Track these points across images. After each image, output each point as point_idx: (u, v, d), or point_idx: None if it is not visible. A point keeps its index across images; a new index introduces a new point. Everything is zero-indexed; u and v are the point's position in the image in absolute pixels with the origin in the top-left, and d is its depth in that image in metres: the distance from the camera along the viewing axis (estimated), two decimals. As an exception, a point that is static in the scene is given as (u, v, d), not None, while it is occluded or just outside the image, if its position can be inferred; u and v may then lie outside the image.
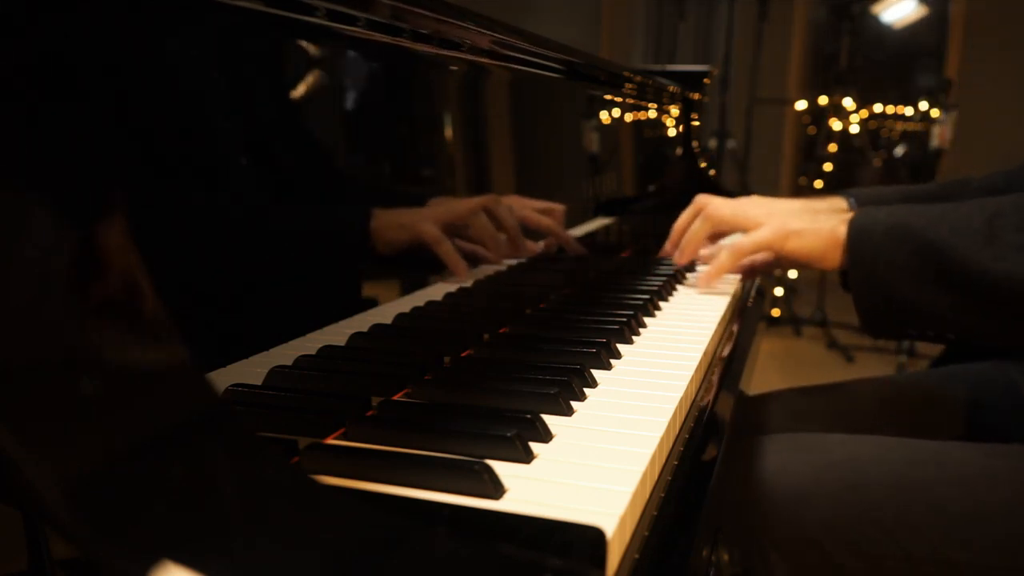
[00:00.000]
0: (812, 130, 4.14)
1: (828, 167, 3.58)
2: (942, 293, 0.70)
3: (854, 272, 0.74)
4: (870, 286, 0.73)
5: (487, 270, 0.79)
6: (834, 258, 0.78)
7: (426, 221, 0.69)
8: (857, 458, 0.72)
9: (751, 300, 0.99)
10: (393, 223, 0.65)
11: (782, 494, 0.69)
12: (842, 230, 0.77)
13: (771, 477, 0.71)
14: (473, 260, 0.76)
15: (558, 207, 0.91)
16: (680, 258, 0.91)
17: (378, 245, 0.63)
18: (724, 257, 0.85)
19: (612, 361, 0.61)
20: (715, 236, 0.94)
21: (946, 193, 0.95)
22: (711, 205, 0.87)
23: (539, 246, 0.89)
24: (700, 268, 1.08)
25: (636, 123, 1.32)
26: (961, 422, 0.91)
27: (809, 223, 0.80)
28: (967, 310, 0.69)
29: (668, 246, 0.94)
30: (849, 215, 0.78)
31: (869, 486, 0.69)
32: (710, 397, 0.60)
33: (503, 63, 0.81)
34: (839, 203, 0.90)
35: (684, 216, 0.92)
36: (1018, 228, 0.67)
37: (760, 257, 0.85)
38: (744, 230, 0.85)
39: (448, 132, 0.74)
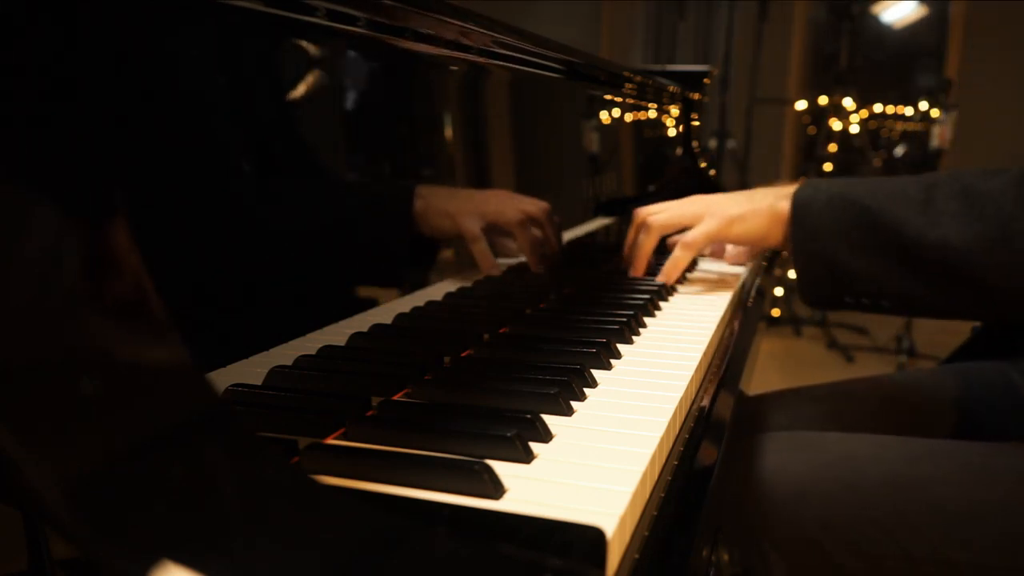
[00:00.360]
0: (812, 130, 4.14)
1: (828, 167, 3.58)
2: (880, 259, 0.71)
3: (795, 241, 0.76)
4: (810, 254, 0.75)
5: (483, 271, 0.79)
6: (777, 234, 0.81)
7: (470, 216, 0.71)
8: (855, 457, 0.72)
9: (751, 300, 0.99)
10: (440, 208, 0.67)
11: (780, 493, 0.69)
12: (782, 205, 0.80)
13: (769, 476, 0.71)
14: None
15: (543, 207, 0.91)
16: (634, 272, 0.93)
17: (421, 227, 0.64)
18: (678, 253, 0.87)
19: (612, 361, 0.61)
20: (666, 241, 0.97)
21: None
22: (651, 216, 0.89)
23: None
24: (703, 266, 1.08)
25: (636, 123, 1.32)
26: (959, 421, 0.91)
27: (748, 206, 0.83)
28: (903, 276, 0.71)
29: (626, 266, 0.95)
30: (791, 190, 0.80)
31: (867, 485, 0.69)
32: (710, 397, 0.60)
33: (503, 63, 0.81)
34: (784, 187, 0.92)
35: (629, 234, 0.94)
36: (953, 196, 0.68)
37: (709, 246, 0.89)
38: (688, 228, 0.87)
39: (448, 132, 0.74)
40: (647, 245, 0.90)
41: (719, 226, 0.84)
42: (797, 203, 0.77)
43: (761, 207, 0.82)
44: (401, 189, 0.65)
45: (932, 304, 0.73)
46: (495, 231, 0.77)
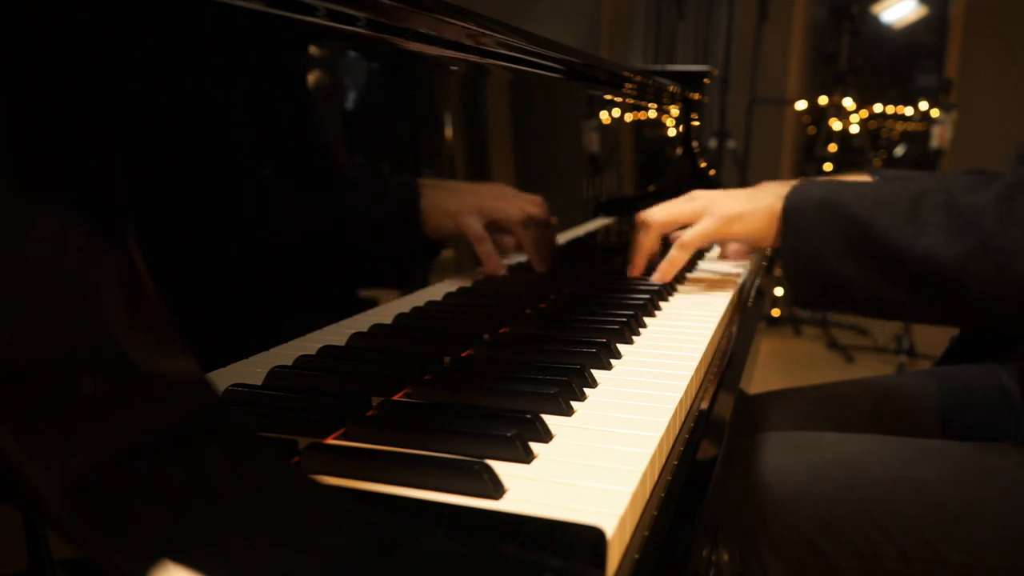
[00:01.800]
0: (812, 130, 4.14)
1: (828, 167, 3.58)
2: (866, 268, 0.72)
3: (785, 244, 0.77)
4: (800, 258, 0.76)
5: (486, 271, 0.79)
6: (773, 234, 0.81)
7: (472, 215, 0.71)
8: (851, 457, 0.73)
9: (751, 300, 0.99)
10: (441, 208, 0.67)
11: (777, 494, 0.69)
12: (779, 206, 0.80)
13: (766, 477, 0.71)
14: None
15: (541, 205, 0.91)
16: (632, 271, 0.93)
17: (424, 227, 0.65)
18: (674, 252, 0.87)
19: (612, 361, 0.61)
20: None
21: None
22: (649, 215, 0.90)
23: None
24: (702, 266, 1.08)
25: (636, 123, 1.32)
26: (949, 423, 0.91)
27: (747, 204, 0.83)
28: (889, 284, 0.71)
29: (629, 268, 0.95)
30: (786, 191, 0.80)
31: (864, 485, 0.69)
32: (710, 397, 0.60)
33: (503, 63, 0.81)
34: (786, 185, 0.91)
35: (633, 236, 0.94)
36: (940, 207, 0.69)
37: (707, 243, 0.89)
38: (688, 226, 0.87)
39: (448, 132, 0.74)
40: (646, 243, 0.90)
41: (717, 225, 0.84)
42: (788, 206, 0.78)
43: (760, 206, 0.82)
44: (405, 187, 0.65)
45: (916, 311, 0.74)
46: (497, 229, 0.77)
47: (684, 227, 0.89)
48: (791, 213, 0.77)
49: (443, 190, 0.71)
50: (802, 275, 0.76)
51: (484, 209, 0.74)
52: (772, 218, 0.81)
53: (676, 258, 0.88)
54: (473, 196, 0.74)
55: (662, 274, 0.89)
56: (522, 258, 0.86)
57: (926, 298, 0.70)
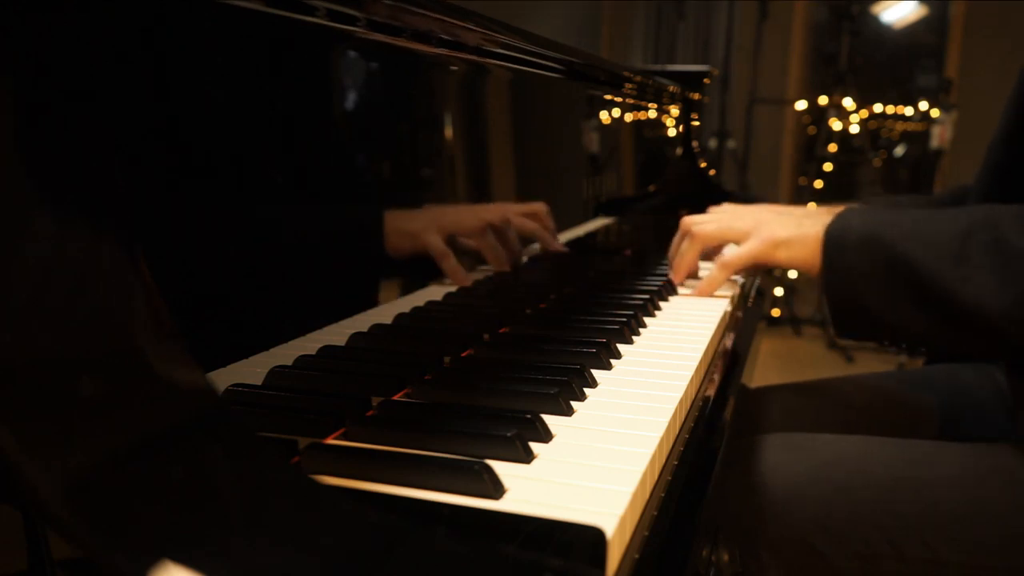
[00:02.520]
0: (812, 130, 4.14)
1: (828, 167, 3.58)
2: (911, 308, 0.69)
3: (826, 278, 0.74)
4: (842, 295, 0.73)
5: (487, 270, 0.79)
6: (819, 265, 0.77)
7: (433, 233, 0.69)
8: (849, 458, 0.72)
9: (751, 300, 0.99)
10: (400, 230, 0.66)
11: (775, 495, 0.69)
12: (823, 233, 0.77)
13: (764, 478, 0.71)
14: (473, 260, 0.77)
15: (540, 206, 0.91)
16: (675, 278, 0.92)
17: (386, 249, 0.63)
18: (716, 273, 0.85)
19: (612, 361, 0.61)
20: (708, 251, 0.95)
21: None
22: (696, 225, 0.88)
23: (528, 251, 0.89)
24: (703, 266, 1.08)
25: (636, 123, 1.32)
26: (945, 422, 0.91)
27: (795, 230, 0.80)
28: (934, 327, 0.69)
29: (670, 272, 0.94)
30: (830, 219, 0.77)
31: (861, 486, 0.69)
32: (710, 397, 0.60)
33: (503, 63, 0.81)
34: (831, 211, 0.90)
35: (675, 240, 0.93)
36: (988, 248, 0.66)
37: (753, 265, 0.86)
38: (733, 243, 0.85)
39: (448, 132, 0.74)
40: (689, 255, 0.89)
41: (763, 248, 0.81)
42: (829, 240, 0.74)
43: (809, 233, 0.78)
44: (369, 217, 0.64)
45: (958, 348, 0.73)
46: (463, 241, 0.76)
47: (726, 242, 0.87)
48: (832, 249, 0.74)
49: (405, 213, 0.69)
50: (842, 310, 0.74)
51: (441, 225, 0.72)
52: (819, 247, 0.77)
53: (716, 279, 0.85)
54: (430, 213, 0.73)
55: (700, 291, 0.87)
56: (522, 257, 0.86)
57: (973, 342, 0.69)
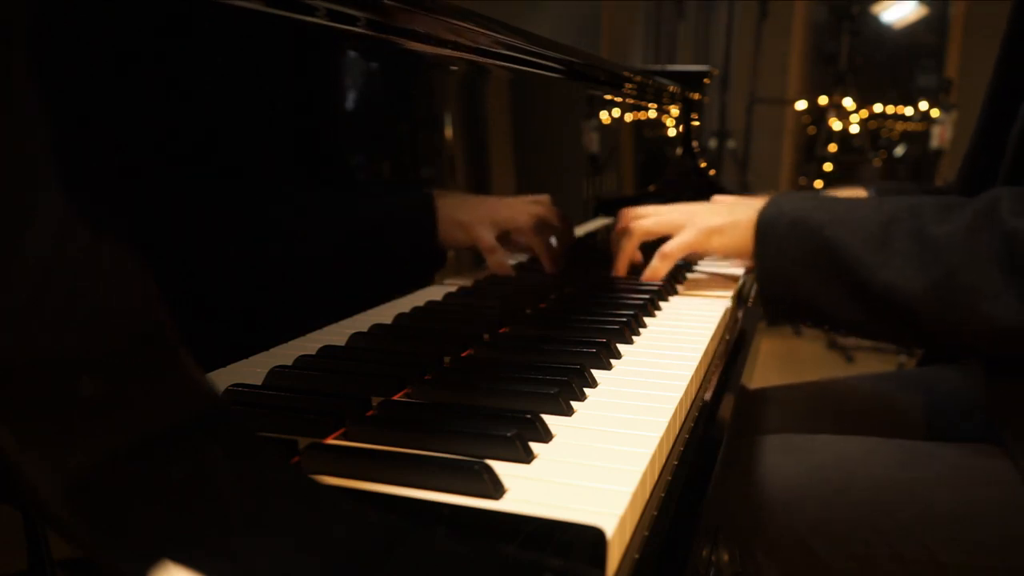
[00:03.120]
0: (812, 130, 4.14)
1: (828, 167, 3.58)
2: (833, 290, 0.72)
3: (757, 262, 0.77)
4: (771, 277, 0.75)
5: (487, 270, 0.79)
6: (751, 250, 0.80)
7: (484, 226, 0.71)
8: (846, 459, 0.72)
9: (751, 300, 0.99)
10: (454, 220, 0.67)
11: (771, 497, 0.69)
12: (755, 218, 0.80)
13: (761, 480, 0.71)
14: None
15: (545, 199, 0.92)
16: (615, 272, 0.94)
17: (438, 238, 0.66)
18: (656, 263, 0.88)
19: (612, 361, 0.61)
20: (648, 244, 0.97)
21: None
22: (634, 220, 0.90)
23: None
24: (702, 266, 1.08)
25: (636, 123, 1.32)
26: (946, 423, 0.91)
27: (728, 218, 0.82)
28: (853, 308, 0.71)
29: (613, 268, 0.96)
30: (762, 205, 0.80)
31: (858, 487, 0.69)
32: (710, 397, 0.60)
33: (503, 63, 0.81)
34: (764, 198, 0.91)
35: (615, 233, 0.95)
36: (908, 236, 0.68)
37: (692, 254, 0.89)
38: (669, 235, 0.88)
39: (448, 132, 0.74)
40: (627, 248, 0.91)
41: (697, 237, 0.84)
42: (761, 223, 0.77)
43: (740, 220, 0.81)
44: (421, 198, 0.65)
45: (879, 334, 0.75)
46: (508, 237, 0.77)
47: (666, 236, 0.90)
48: (763, 230, 0.77)
49: (454, 199, 0.71)
50: (771, 292, 0.76)
51: (495, 219, 0.74)
52: (751, 232, 0.80)
53: (657, 268, 0.88)
54: (483, 205, 0.75)
55: (644, 278, 0.90)
56: (523, 257, 0.86)
57: (888, 324, 0.71)
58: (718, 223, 0.83)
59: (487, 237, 0.75)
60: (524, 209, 0.84)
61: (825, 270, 0.72)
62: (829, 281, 0.72)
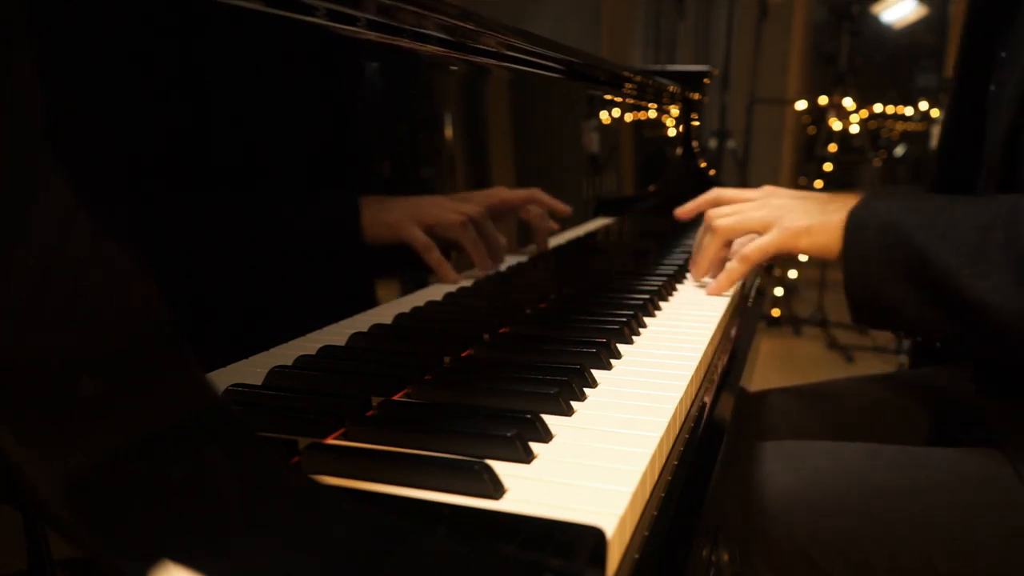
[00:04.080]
0: (812, 130, 4.14)
1: (828, 167, 3.58)
2: (926, 302, 0.68)
3: (846, 265, 0.73)
4: (860, 282, 0.72)
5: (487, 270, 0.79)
6: (838, 251, 0.76)
7: (412, 224, 0.68)
8: (843, 466, 0.72)
9: (751, 300, 0.99)
10: (378, 220, 0.64)
11: (767, 503, 0.69)
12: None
13: (757, 486, 0.70)
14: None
15: (536, 192, 0.90)
16: (695, 273, 0.90)
17: (367, 240, 0.62)
18: (735, 265, 0.84)
19: (612, 361, 0.61)
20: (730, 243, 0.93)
21: None
22: (716, 219, 0.86)
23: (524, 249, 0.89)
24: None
25: (636, 123, 1.32)
26: (943, 426, 0.91)
27: (818, 217, 0.78)
28: (948, 322, 0.68)
29: (691, 266, 0.93)
30: (853, 204, 0.75)
31: (855, 494, 0.69)
32: (710, 397, 0.60)
33: (503, 63, 0.81)
34: (856, 197, 0.88)
35: (699, 233, 0.91)
36: (1007, 245, 0.64)
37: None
38: (755, 233, 0.83)
39: (448, 132, 0.74)
40: (710, 248, 0.87)
41: (784, 239, 0.79)
42: (850, 226, 0.73)
43: (832, 221, 0.76)
44: (345, 201, 0.62)
45: (971, 348, 0.71)
46: (444, 238, 0.74)
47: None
48: (853, 234, 0.73)
49: (385, 201, 0.67)
50: (859, 297, 0.73)
51: (420, 218, 0.70)
52: (839, 235, 0.75)
53: (734, 271, 0.84)
54: (408, 204, 0.70)
55: (718, 287, 0.86)
56: (522, 258, 0.86)
57: (983, 339, 0.67)
58: (807, 223, 0.78)
59: (419, 236, 0.69)
60: (451, 207, 0.76)
61: (915, 281, 0.68)
62: (918, 292, 0.68)
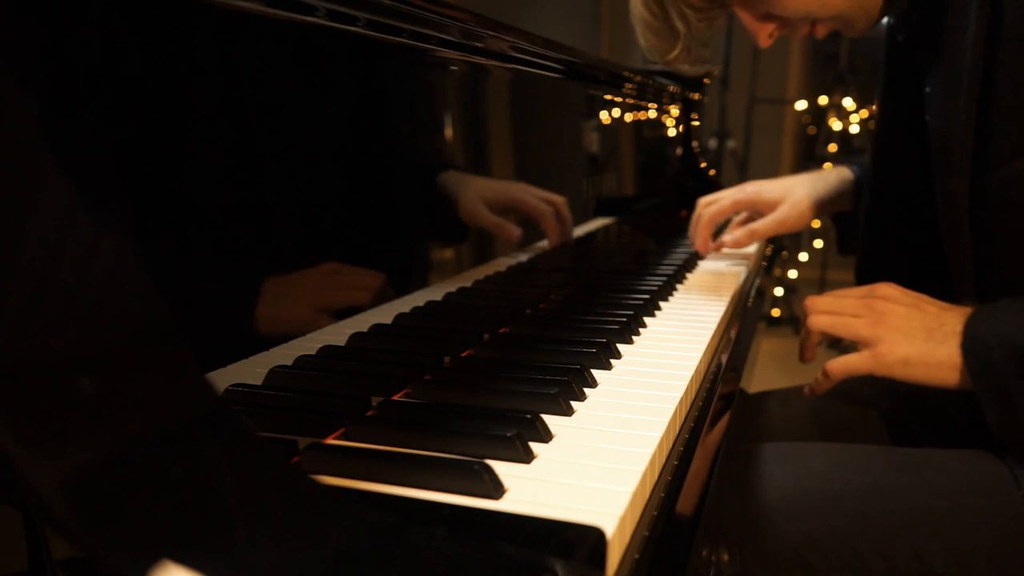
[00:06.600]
0: (812, 130, 4.14)
1: (828, 167, 3.57)
2: None
3: (982, 396, 0.69)
4: (1000, 408, 0.69)
5: (487, 270, 0.79)
6: (953, 380, 0.72)
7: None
8: (838, 468, 0.72)
9: (751, 300, 0.99)
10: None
11: (763, 506, 0.69)
12: (958, 356, 0.70)
13: (753, 489, 0.70)
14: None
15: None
16: (802, 356, 0.86)
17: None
18: (821, 377, 0.79)
19: (612, 361, 0.61)
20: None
21: None
22: (812, 315, 0.80)
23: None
24: (702, 266, 1.08)
25: (636, 123, 1.32)
26: (940, 428, 0.91)
27: (921, 345, 0.72)
28: None
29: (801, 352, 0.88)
30: (959, 333, 0.71)
31: (851, 496, 0.69)
32: (710, 397, 0.60)
33: (503, 63, 0.81)
34: (957, 314, 0.76)
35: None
36: None
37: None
38: (846, 340, 0.78)
39: (448, 132, 0.74)
40: (808, 343, 0.83)
41: (876, 368, 0.73)
42: (974, 361, 0.69)
43: (936, 355, 0.71)
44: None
45: None
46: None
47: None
48: (980, 369, 0.69)
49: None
50: (1006, 425, 0.69)
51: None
52: (953, 370, 0.71)
53: (820, 384, 0.79)
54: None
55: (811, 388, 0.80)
56: (522, 257, 0.86)
57: None
58: (905, 353, 0.72)
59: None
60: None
61: None
62: None
